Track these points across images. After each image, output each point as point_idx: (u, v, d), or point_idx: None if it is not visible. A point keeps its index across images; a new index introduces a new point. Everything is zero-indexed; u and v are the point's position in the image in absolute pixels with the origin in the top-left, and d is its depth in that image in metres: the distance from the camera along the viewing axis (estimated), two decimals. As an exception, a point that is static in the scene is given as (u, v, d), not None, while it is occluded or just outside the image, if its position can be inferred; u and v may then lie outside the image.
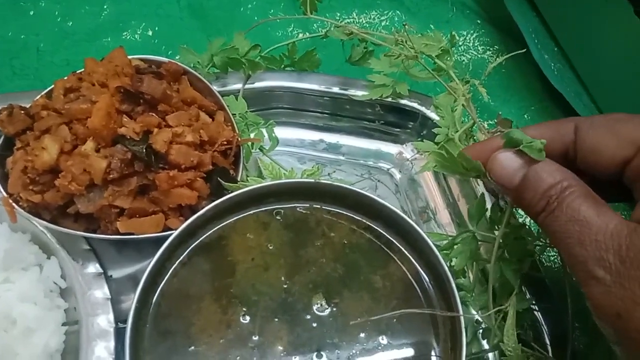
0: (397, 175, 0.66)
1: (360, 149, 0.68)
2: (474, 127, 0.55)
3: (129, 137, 0.46)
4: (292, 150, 0.67)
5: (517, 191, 0.38)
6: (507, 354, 0.44)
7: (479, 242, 0.50)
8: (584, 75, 0.72)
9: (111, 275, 0.50)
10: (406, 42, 0.58)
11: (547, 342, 0.51)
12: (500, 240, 0.46)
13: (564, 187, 0.36)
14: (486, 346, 0.54)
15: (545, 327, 0.52)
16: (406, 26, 0.57)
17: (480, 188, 0.58)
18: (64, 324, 0.47)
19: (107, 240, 0.48)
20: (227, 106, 0.56)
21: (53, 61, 0.72)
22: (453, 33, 0.60)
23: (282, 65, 0.65)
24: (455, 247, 0.50)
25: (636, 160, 0.36)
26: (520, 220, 0.56)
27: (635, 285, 0.31)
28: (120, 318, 0.48)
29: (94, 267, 0.49)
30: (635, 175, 0.36)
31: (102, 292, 0.48)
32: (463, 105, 0.55)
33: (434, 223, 0.63)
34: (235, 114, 0.57)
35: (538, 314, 0.52)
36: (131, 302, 0.43)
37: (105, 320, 0.47)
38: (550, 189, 0.36)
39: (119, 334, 0.46)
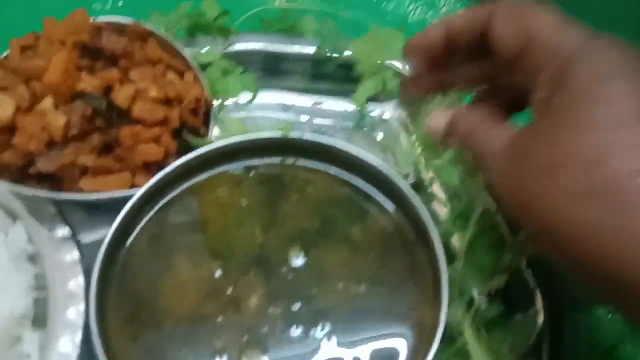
0: (379, 135, 0.65)
1: (342, 111, 0.66)
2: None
3: (88, 93, 0.44)
4: (269, 116, 0.65)
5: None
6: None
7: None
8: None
9: (80, 240, 0.49)
10: None
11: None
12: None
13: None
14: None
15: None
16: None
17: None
18: (33, 289, 0.45)
19: (75, 202, 0.47)
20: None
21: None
22: None
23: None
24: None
25: (530, 54, 0.30)
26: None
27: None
28: (89, 281, 0.46)
29: (61, 231, 0.47)
30: (528, 70, 0.30)
31: (70, 255, 0.46)
32: None
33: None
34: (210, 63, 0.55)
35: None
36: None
37: (74, 284, 0.45)
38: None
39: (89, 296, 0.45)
